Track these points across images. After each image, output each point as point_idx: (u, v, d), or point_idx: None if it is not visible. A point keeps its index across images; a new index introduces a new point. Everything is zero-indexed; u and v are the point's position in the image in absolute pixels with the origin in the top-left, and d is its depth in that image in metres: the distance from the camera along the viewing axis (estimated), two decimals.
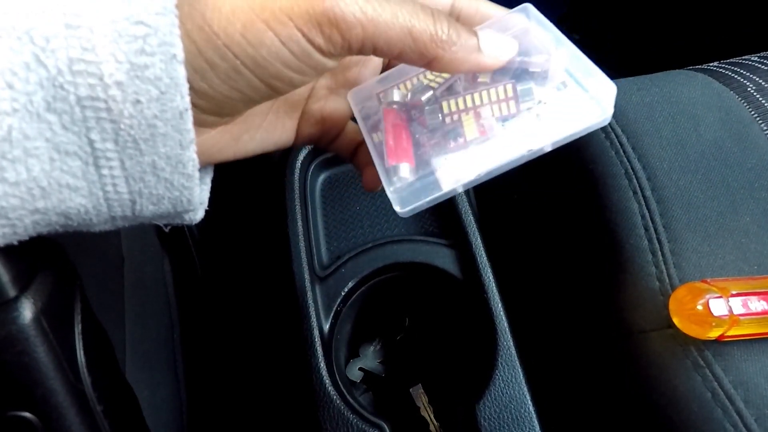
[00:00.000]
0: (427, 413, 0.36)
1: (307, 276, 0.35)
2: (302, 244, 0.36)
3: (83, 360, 0.19)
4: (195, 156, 0.17)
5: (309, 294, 0.34)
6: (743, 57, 0.40)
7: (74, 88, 0.14)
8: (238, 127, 0.21)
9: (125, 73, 0.15)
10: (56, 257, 0.20)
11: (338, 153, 0.25)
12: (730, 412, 0.25)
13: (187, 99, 0.16)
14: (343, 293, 0.35)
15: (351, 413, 0.31)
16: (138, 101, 0.15)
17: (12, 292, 0.17)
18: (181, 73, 0.15)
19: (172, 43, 0.15)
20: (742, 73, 0.37)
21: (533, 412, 0.30)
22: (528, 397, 0.30)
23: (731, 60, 0.40)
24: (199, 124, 0.18)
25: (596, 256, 0.32)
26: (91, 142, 0.15)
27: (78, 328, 0.19)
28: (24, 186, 0.15)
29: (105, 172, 0.16)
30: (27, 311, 0.17)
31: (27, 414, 0.17)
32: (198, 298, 0.47)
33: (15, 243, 0.16)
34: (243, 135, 0.21)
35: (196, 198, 0.18)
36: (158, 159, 0.16)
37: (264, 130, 0.22)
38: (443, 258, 0.36)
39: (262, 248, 0.46)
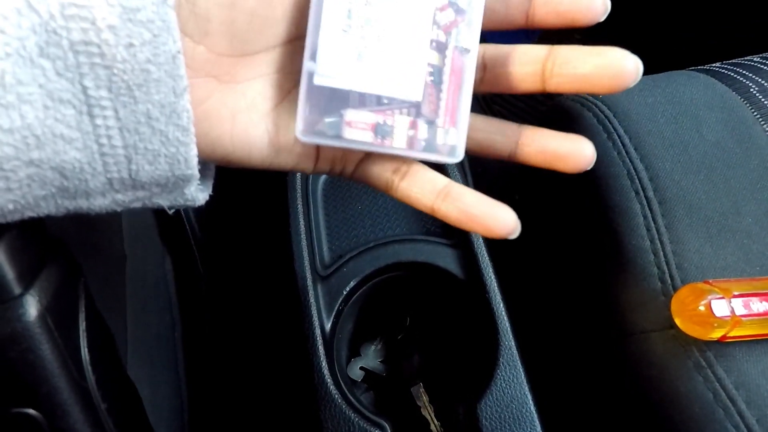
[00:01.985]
0: (428, 412, 0.36)
1: (308, 275, 0.35)
2: (304, 243, 0.36)
3: (87, 358, 0.19)
4: (189, 107, 0.17)
5: (311, 293, 0.34)
6: (746, 58, 0.40)
7: (67, 33, 0.14)
8: (236, 99, 0.19)
9: (117, 16, 0.15)
10: (61, 254, 0.20)
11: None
12: (731, 413, 0.25)
13: (179, 43, 0.16)
14: (344, 292, 0.35)
15: (352, 412, 0.31)
16: (131, 44, 0.15)
17: (17, 290, 0.17)
18: (173, 16, 0.15)
19: None
20: (744, 74, 0.37)
21: (534, 411, 0.30)
22: (529, 397, 0.30)
23: (734, 61, 0.40)
24: (190, 65, 0.17)
25: (598, 257, 0.32)
26: (84, 89, 0.15)
27: (82, 326, 0.19)
28: (18, 134, 0.15)
29: (99, 122, 0.16)
30: (32, 309, 0.17)
31: (31, 411, 0.17)
32: (199, 297, 0.47)
33: (10, 207, 0.16)
34: (242, 114, 0.19)
35: (194, 158, 0.17)
36: (152, 107, 0.16)
37: (272, 123, 0.20)
38: (445, 258, 0.36)
39: (263, 247, 0.46)
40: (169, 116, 0.16)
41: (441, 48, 0.19)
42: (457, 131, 0.20)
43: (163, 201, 0.18)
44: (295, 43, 0.20)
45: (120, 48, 0.15)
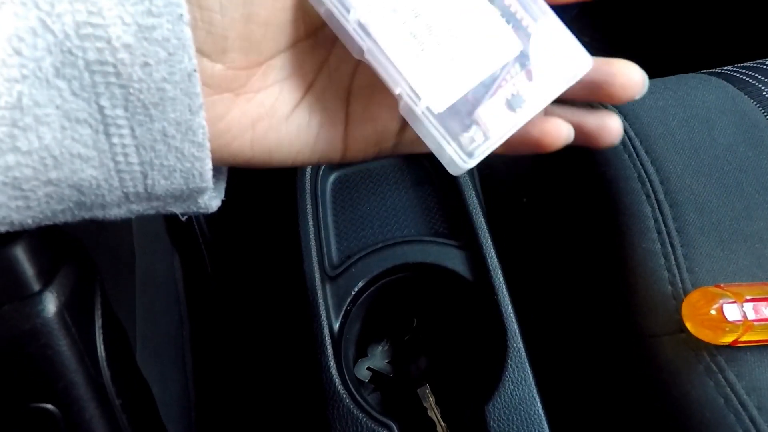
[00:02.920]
0: (435, 414, 0.36)
1: (317, 275, 0.35)
2: (313, 244, 0.36)
3: (103, 354, 0.19)
4: (205, 123, 0.16)
5: (319, 293, 0.34)
6: (758, 61, 0.40)
7: (82, 53, 0.14)
8: (255, 108, 0.19)
9: (133, 35, 0.15)
10: (77, 252, 0.20)
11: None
12: (743, 419, 0.25)
13: (195, 61, 0.16)
14: (353, 293, 0.35)
15: (360, 412, 0.31)
16: (147, 63, 0.15)
17: (36, 286, 0.18)
18: (188, 33, 0.15)
19: (178, 2, 0.15)
20: (757, 77, 0.37)
21: (543, 414, 0.30)
22: (537, 400, 0.30)
23: (746, 64, 0.40)
24: (209, 83, 0.17)
25: (608, 259, 0.32)
26: (101, 109, 0.15)
27: (98, 323, 0.19)
28: (36, 155, 0.15)
29: (115, 140, 0.16)
30: (51, 305, 0.17)
31: (49, 406, 0.18)
32: (207, 296, 0.48)
33: (29, 222, 0.16)
34: (262, 121, 0.19)
35: (208, 172, 0.17)
36: (168, 125, 0.16)
37: (293, 124, 0.20)
38: (453, 259, 0.36)
39: (272, 247, 0.46)
40: (185, 133, 0.16)
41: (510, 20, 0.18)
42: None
43: (177, 209, 0.19)
44: (302, 44, 0.19)
45: (136, 67, 0.15)
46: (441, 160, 0.18)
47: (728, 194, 0.31)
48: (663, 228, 0.30)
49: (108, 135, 0.15)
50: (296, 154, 0.20)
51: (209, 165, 0.17)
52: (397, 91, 0.18)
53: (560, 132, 0.20)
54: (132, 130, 0.16)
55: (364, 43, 0.18)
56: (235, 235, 0.51)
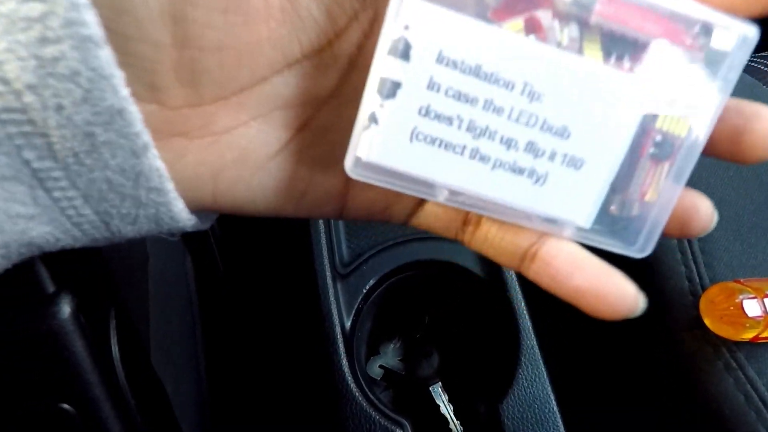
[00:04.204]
0: (447, 412, 0.35)
1: (328, 273, 0.35)
2: (324, 242, 0.36)
3: (118, 355, 0.19)
4: (159, 163, 0.13)
5: (330, 291, 0.34)
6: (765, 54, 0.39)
7: None
8: (218, 155, 0.14)
9: (33, 72, 0.11)
10: (92, 254, 0.20)
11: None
12: (764, 416, 0.24)
13: (124, 92, 0.12)
14: (364, 291, 0.35)
15: (373, 410, 0.31)
16: (60, 106, 0.12)
17: (51, 288, 0.18)
18: (104, 58, 0.11)
19: (81, 20, 0.11)
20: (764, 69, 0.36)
21: (557, 411, 0.30)
22: (552, 397, 0.30)
23: (764, 54, 0.39)
24: (157, 120, 0.13)
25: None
26: (26, 163, 0.12)
27: (112, 324, 0.20)
28: None
29: (57, 194, 0.13)
30: (66, 306, 0.17)
31: (65, 406, 0.18)
32: (220, 296, 0.48)
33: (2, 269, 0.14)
34: (227, 171, 0.14)
35: (181, 212, 0.14)
36: (112, 174, 0.13)
37: (271, 174, 0.15)
38: (465, 256, 0.36)
39: (283, 246, 0.46)
40: (136, 180, 0.13)
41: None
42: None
43: (167, 235, 0.16)
44: (302, 65, 0.14)
45: (49, 112, 0.12)
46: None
47: (747, 187, 0.30)
48: None
49: (47, 189, 0.13)
50: (277, 209, 0.16)
51: (179, 206, 0.14)
52: (530, 225, 0.15)
53: None
54: (71, 182, 0.13)
55: (477, 209, 0.15)
56: (246, 234, 0.51)
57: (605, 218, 0.15)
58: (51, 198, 0.13)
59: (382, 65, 0.13)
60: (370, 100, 0.14)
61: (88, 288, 0.19)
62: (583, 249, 0.15)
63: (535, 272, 0.15)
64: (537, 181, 0.15)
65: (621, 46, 0.14)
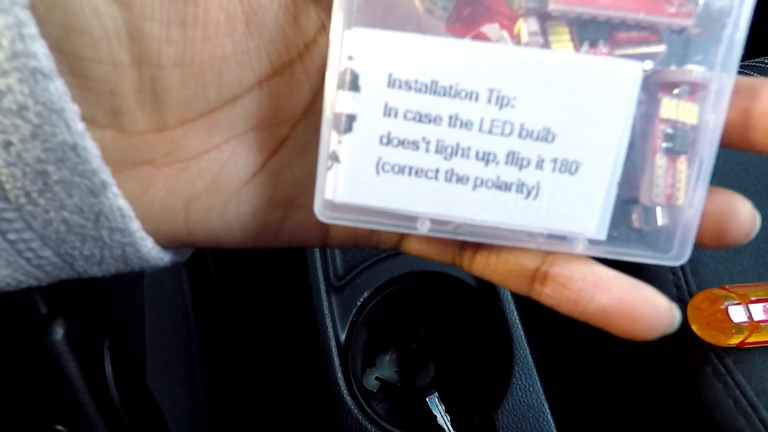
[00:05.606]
0: (444, 422, 0.36)
1: (322, 286, 0.35)
2: (318, 255, 0.37)
3: (111, 374, 0.19)
4: (121, 202, 0.12)
5: (325, 304, 0.35)
6: (757, 59, 0.40)
7: None
8: (188, 182, 0.13)
9: None
10: None
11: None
12: (753, 420, 0.24)
13: (78, 126, 0.11)
14: (358, 303, 0.36)
15: (369, 423, 0.31)
16: (8, 143, 0.11)
17: (44, 309, 0.18)
18: (55, 91, 0.11)
19: (28, 52, 0.10)
20: (758, 76, 0.37)
21: (551, 420, 0.30)
22: (546, 406, 0.30)
23: (745, 63, 0.40)
24: (109, 159, 0.12)
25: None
26: None
27: (106, 343, 0.20)
28: None
29: (12, 237, 0.12)
30: (59, 327, 0.18)
31: (59, 427, 0.18)
32: (215, 310, 0.48)
33: None
34: (199, 200, 0.13)
35: (150, 252, 0.13)
36: (70, 214, 0.12)
37: (247, 201, 0.14)
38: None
39: (278, 260, 0.46)
40: (96, 220, 0.12)
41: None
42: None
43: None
44: (274, 81, 0.13)
45: None
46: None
47: None
48: None
49: (1, 232, 0.12)
50: (255, 239, 0.15)
51: (148, 245, 0.13)
52: (535, 246, 0.13)
53: None
54: (27, 223, 0.12)
55: (470, 236, 0.13)
56: (241, 249, 0.51)
57: (625, 225, 0.13)
58: (6, 240, 0.12)
59: (333, 100, 0.13)
60: (327, 138, 0.13)
61: (82, 307, 0.19)
62: (599, 264, 0.13)
63: (548, 296, 0.13)
64: (529, 194, 0.13)
65: (593, 31, 0.12)
